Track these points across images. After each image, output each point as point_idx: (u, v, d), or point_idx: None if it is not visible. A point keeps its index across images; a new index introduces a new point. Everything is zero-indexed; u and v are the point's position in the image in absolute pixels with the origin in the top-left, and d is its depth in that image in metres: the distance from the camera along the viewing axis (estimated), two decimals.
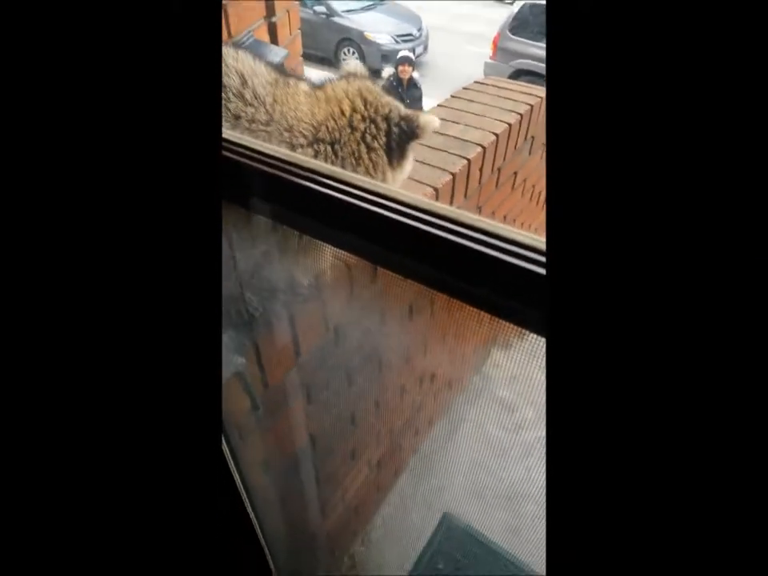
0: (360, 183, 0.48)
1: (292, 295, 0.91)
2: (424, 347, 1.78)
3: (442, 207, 0.45)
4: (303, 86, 0.83)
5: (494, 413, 2.51)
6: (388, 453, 1.94)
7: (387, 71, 5.68)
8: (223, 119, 0.73)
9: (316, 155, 0.78)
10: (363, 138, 0.79)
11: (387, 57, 7.79)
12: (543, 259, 0.39)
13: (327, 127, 0.78)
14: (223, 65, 0.78)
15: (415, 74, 5.55)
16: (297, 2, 1.95)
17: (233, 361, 0.83)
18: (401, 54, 5.57)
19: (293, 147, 0.78)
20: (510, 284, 0.42)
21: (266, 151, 0.51)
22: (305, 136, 0.78)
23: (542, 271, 0.39)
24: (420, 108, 5.48)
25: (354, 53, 8.56)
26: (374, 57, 8.38)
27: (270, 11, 1.79)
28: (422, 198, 0.46)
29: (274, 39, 1.78)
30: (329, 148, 0.78)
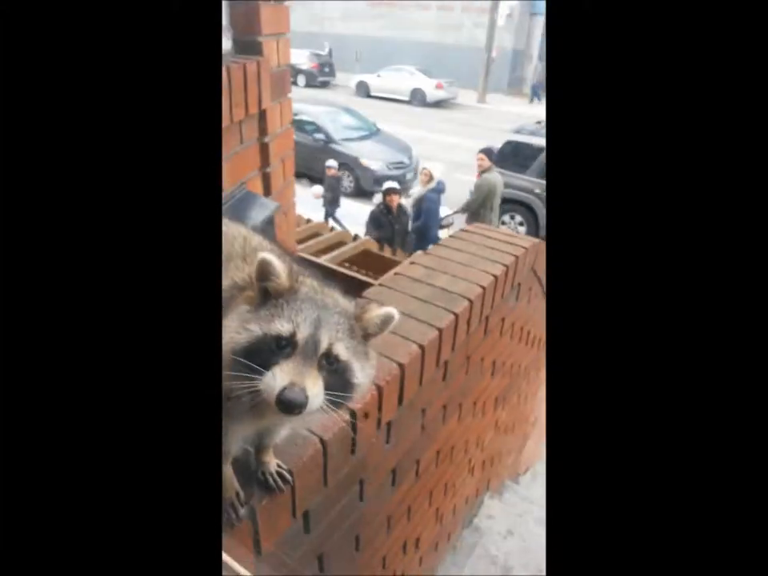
0: None
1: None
2: (407, 513, 1.64)
3: None
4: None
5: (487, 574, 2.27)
6: None
7: (377, 198, 5.92)
8: None
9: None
10: None
11: (379, 181, 8.31)
12: None
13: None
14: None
15: (403, 201, 5.81)
16: (292, 153, 2.05)
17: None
18: (387, 185, 5.71)
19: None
20: None
21: None
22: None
23: None
24: (407, 233, 5.63)
25: (349, 176, 9.15)
26: (368, 181, 9.02)
27: (265, 162, 1.87)
28: None
29: (267, 189, 1.84)
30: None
